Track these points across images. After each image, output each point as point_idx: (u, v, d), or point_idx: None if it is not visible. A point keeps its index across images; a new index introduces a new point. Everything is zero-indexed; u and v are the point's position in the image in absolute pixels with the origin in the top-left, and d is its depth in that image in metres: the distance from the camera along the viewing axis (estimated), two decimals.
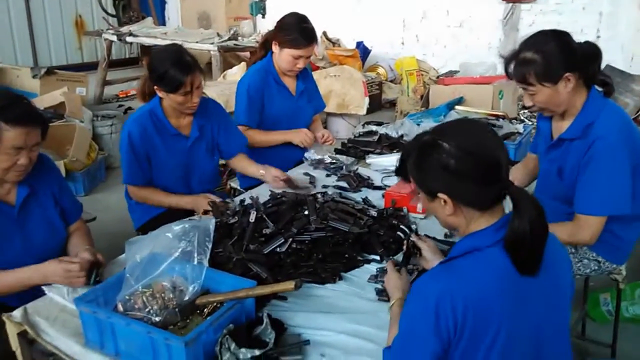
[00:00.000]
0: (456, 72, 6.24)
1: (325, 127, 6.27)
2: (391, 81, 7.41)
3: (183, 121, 2.54)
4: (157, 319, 1.45)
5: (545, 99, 1.94)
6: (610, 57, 1.94)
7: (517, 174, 2.38)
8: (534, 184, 2.37)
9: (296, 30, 2.79)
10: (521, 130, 3.05)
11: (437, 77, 6.20)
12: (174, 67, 2.33)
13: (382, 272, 1.82)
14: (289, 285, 1.43)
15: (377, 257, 1.94)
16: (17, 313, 1.64)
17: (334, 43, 8.04)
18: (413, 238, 1.83)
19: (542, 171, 2.21)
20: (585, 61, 1.91)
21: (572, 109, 1.99)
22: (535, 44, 1.92)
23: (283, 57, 2.85)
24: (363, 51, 7.81)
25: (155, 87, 2.41)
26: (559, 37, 1.92)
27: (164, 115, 2.48)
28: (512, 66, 1.96)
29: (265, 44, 2.98)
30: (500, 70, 5.96)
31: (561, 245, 1.39)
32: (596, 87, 1.99)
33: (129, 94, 7.40)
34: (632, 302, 2.77)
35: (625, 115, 2.02)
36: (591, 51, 1.91)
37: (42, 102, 4.86)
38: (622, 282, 2.23)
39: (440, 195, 1.30)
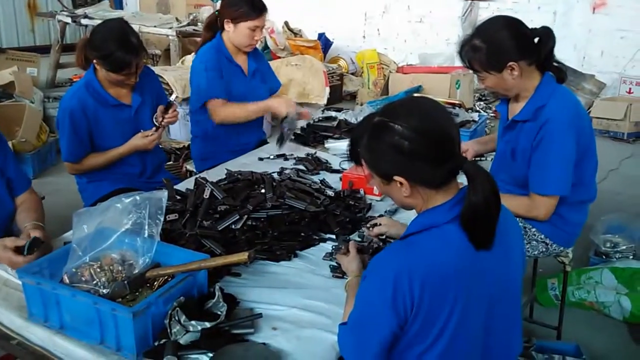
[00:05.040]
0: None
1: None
2: (352, 74, 7.42)
3: (122, 91, 2.47)
4: (105, 291, 1.41)
5: (493, 84, 2.03)
6: (563, 56, 2.03)
7: (470, 144, 2.50)
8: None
9: (244, 1, 2.72)
10: (476, 119, 3.11)
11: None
12: (120, 50, 2.26)
13: (338, 249, 1.82)
14: (243, 256, 1.41)
15: (333, 236, 1.94)
16: None
17: (296, 34, 7.99)
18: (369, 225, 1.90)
19: (498, 152, 2.27)
20: (537, 46, 1.96)
21: (525, 92, 2.04)
22: (487, 31, 1.98)
23: (240, 32, 2.77)
24: (325, 43, 7.78)
25: (95, 61, 2.34)
26: (510, 26, 1.97)
27: (101, 86, 2.42)
28: (463, 51, 2.02)
29: (212, 26, 2.89)
30: (457, 62, 6.07)
31: (512, 217, 1.40)
32: (550, 72, 2.04)
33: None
34: (577, 287, 2.86)
35: (575, 99, 2.08)
36: (543, 35, 1.96)
37: None
38: (568, 265, 2.30)
39: (396, 178, 1.26)
